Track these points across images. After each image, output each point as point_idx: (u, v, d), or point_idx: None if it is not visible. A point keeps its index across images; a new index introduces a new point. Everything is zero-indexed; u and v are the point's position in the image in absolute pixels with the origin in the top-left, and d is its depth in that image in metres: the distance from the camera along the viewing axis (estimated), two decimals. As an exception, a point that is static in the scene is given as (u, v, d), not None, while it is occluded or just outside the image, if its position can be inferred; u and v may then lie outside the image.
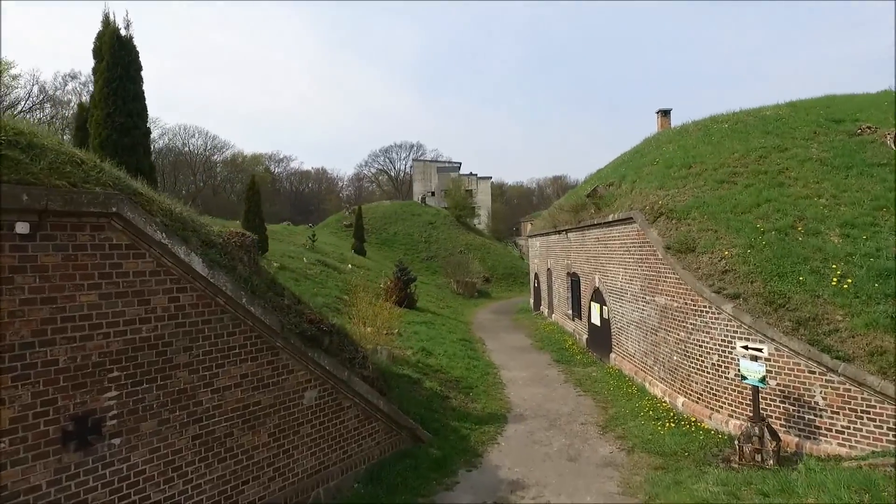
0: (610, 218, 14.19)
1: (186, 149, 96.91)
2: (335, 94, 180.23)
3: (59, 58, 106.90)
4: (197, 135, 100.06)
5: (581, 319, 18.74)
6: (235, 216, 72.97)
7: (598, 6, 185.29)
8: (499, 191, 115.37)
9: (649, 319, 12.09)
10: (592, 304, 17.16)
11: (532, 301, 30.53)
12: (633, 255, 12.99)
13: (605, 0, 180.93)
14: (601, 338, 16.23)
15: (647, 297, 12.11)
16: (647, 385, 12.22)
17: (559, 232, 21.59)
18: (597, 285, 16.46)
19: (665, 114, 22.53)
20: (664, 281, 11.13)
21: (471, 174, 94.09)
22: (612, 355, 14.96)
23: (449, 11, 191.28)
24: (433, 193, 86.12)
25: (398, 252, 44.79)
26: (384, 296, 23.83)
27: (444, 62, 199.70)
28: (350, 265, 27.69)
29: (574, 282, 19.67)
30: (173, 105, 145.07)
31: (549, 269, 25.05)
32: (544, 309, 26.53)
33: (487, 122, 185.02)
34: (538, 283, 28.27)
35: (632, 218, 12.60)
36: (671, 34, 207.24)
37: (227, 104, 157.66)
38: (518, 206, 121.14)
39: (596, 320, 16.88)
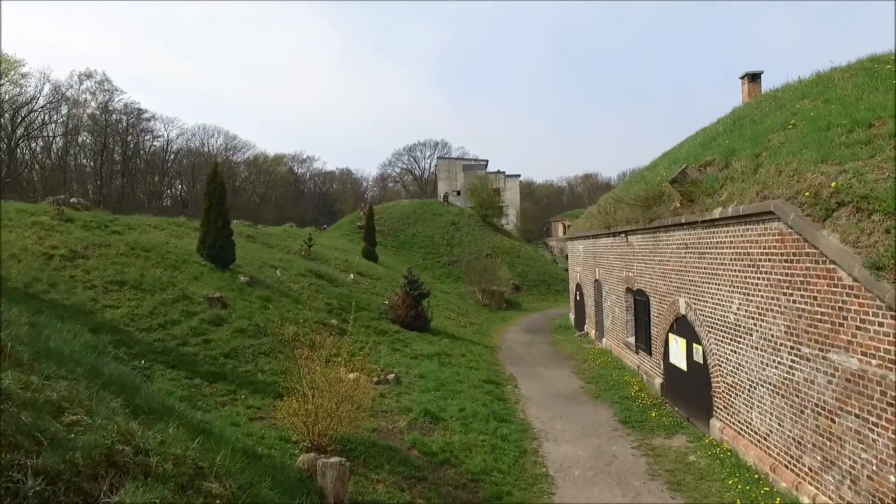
0: (716, 214, 9.04)
1: (205, 148, 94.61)
2: (361, 95, 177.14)
3: (73, 57, 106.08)
4: (216, 134, 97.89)
5: (650, 355, 13.56)
6: (253, 216, 69.23)
7: (626, 4, 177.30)
8: (527, 189, 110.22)
9: (811, 389, 6.92)
10: (673, 337, 11.99)
11: (573, 317, 25.30)
12: (766, 272, 7.84)
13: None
14: (690, 389, 11.06)
15: (808, 350, 6.95)
16: (805, 500, 7.06)
17: (614, 234, 16.43)
18: (681, 312, 11.30)
19: (753, 78, 17.10)
20: (859, 328, 5.97)
21: (498, 172, 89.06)
22: (716, 423, 9.78)
23: (473, 10, 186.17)
24: (458, 192, 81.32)
25: (416, 256, 40.06)
26: (389, 316, 19.08)
27: (470, 61, 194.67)
28: (352, 275, 23.02)
29: (639, 302, 14.47)
30: (198, 105, 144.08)
31: (596, 281, 19.85)
32: (590, 329, 21.34)
33: (514, 121, 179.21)
34: (581, 297, 23.10)
35: (772, 212, 7.45)
36: (695, 28, 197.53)
37: (253, 106, 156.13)
38: (548, 205, 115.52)
39: (678, 361, 11.71)
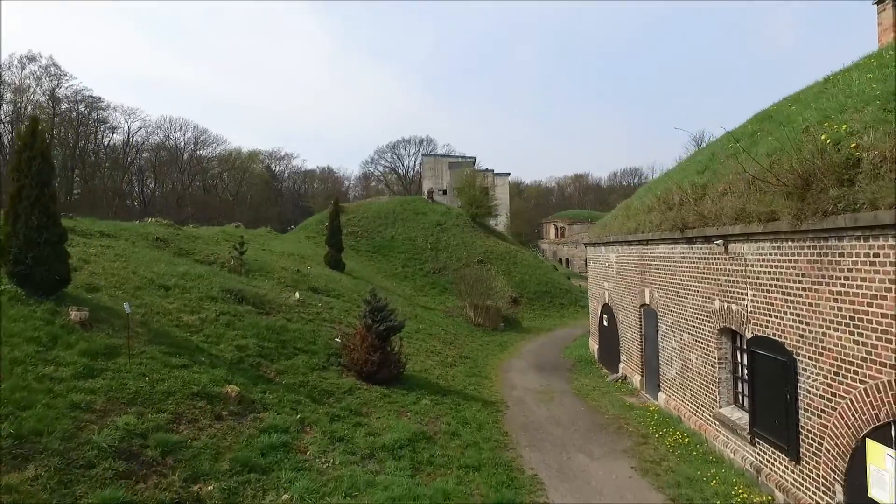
0: None
1: (169, 142, 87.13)
2: (345, 94, 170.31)
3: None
4: (184, 128, 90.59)
5: (796, 461, 7.40)
6: (227, 217, 61.92)
7: (616, 5, 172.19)
8: (516, 189, 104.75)
9: None
10: (889, 453, 5.85)
11: (596, 348, 19.16)
12: None
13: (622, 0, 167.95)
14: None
15: None
16: None
17: (694, 240, 10.33)
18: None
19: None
20: None
21: (487, 170, 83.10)
22: None
23: (463, 10, 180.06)
24: (444, 192, 75.21)
25: (395, 263, 33.71)
26: (342, 360, 12.75)
27: (456, 61, 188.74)
28: (298, 294, 16.58)
29: (762, 360, 8.27)
30: (181, 102, 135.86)
31: (645, 307, 13.76)
32: (630, 371, 15.22)
33: (501, 121, 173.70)
34: (611, 323, 16.99)
35: None
36: (685, 29, 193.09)
37: (230, 103, 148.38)
38: (537, 206, 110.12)
39: (903, 505, 5.57)
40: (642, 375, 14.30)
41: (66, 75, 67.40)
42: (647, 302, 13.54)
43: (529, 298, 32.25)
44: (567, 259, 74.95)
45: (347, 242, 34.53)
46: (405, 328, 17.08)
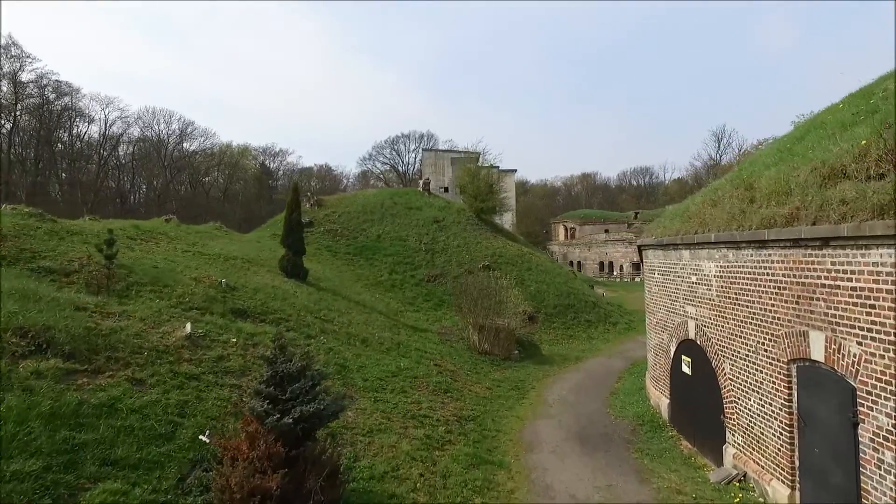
0: None
1: (148, 133, 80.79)
2: (349, 94, 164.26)
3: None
4: (168, 120, 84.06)
5: None
6: (218, 217, 55.32)
7: (615, 5, 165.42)
8: (521, 189, 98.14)
9: None
10: None
11: (667, 403, 12.54)
12: None
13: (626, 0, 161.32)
14: None
15: None
16: None
17: None
18: None
19: None
20: None
21: (492, 166, 76.15)
22: None
23: (462, 11, 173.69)
24: (446, 189, 68.65)
25: (380, 268, 27.11)
26: (212, 487, 6.09)
27: (458, 63, 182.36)
28: (190, 325, 10.04)
29: None
30: (189, 104, 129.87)
31: (803, 364, 7.15)
32: (753, 466, 8.61)
33: (503, 121, 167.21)
34: (700, 373, 10.41)
35: None
36: (689, 30, 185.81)
37: (227, 103, 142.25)
38: (543, 206, 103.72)
39: None
40: (793, 488, 7.73)
41: (28, 57, 60.97)
42: (818, 358, 6.99)
43: (548, 314, 25.64)
44: (579, 262, 68.39)
45: (323, 243, 28.12)
46: (376, 372, 10.66)
